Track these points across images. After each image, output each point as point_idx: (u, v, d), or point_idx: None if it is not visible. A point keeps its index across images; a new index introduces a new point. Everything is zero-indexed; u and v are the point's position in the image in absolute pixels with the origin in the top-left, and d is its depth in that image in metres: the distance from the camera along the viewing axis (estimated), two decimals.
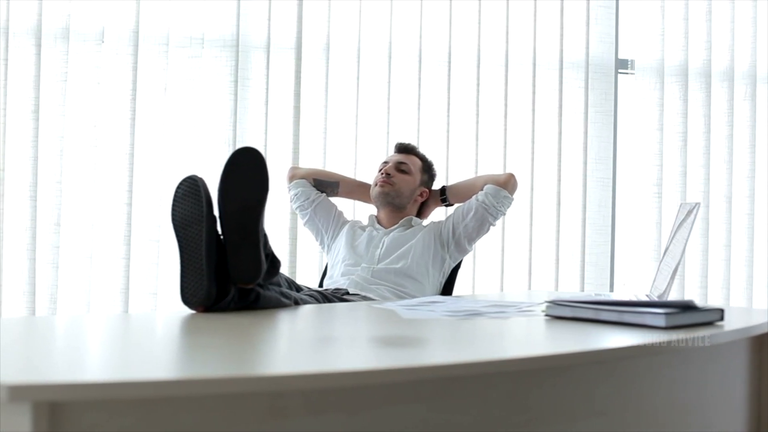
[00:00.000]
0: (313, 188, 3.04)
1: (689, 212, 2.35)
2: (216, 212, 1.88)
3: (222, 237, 1.87)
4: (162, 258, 3.43)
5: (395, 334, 1.62)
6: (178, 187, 1.88)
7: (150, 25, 3.45)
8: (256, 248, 1.85)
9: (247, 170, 1.91)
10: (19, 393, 1.01)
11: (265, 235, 1.92)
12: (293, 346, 1.51)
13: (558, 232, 3.83)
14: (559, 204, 3.83)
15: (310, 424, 1.20)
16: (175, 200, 1.88)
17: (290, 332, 1.73)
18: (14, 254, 3.32)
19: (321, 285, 2.95)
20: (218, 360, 1.29)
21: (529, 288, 3.80)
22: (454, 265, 2.92)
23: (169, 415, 1.10)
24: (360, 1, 3.65)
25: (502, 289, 3.76)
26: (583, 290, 3.81)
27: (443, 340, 1.56)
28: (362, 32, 3.66)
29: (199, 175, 1.89)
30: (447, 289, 2.91)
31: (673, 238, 2.41)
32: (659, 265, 2.41)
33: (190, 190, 1.86)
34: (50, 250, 3.35)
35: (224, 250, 1.85)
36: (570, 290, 3.77)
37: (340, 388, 1.21)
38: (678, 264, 2.27)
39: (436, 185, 3.10)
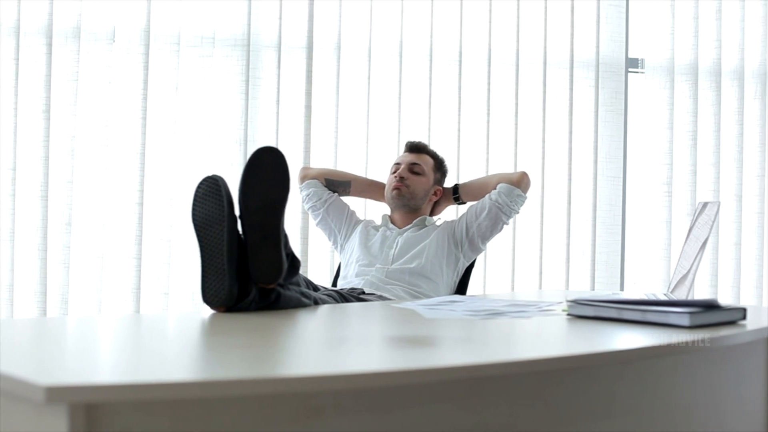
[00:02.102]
0: (325, 188, 3.03)
1: (703, 211, 2.34)
2: (237, 212, 1.88)
3: (243, 237, 1.87)
4: (173, 258, 3.43)
5: (421, 334, 1.61)
6: (199, 187, 1.88)
7: (161, 24, 3.45)
8: (277, 248, 1.85)
9: (268, 170, 1.91)
10: (56, 395, 1.00)
11: (285, 235, 1.91)
12: (321, 346, 1.51)
13: (568, 230, 3.83)
14: (569, 203, 3.83)
15: (342, 425, 1.20)
16: (195, 200, 1.87)
17: (315, 332, 1.73)
18: (25, 254, 3.32)
19: (334, 284, 2.95)
20: (248, 361, 1.29)
21: (540, 287, 3.79)
22: (467, 264, 2.91)
23: (202, 416, 1.10)
24: (371, 0, 3.65)
25: (512, 289, 3.76)
26: (593, 289, 3.81)
27: (469, 340, 1.55)
28: (373, 31, 3.65)
29: (219, 174, 1.89)
30: (461, 288, 2.90)
31: (687, 237, 2.40)
32: (677, 265, 2.41)
33: (210, 190, 1.85)
34: (61, 250, 3.35)
35: (245, 250, 1.85)
36: (580, 289, 3.76)
37: (372, 388, 1.21)
38: (693, 263, 2.27)
39: (448, 182, 3.10)
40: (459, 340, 1.55)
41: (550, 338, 1.65)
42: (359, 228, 2.94)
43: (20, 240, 3.32)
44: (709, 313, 1.71)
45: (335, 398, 1.19)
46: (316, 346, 1.50)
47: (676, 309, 1.69)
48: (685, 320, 1.67)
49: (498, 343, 1.58)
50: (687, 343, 1.53)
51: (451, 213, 3.37)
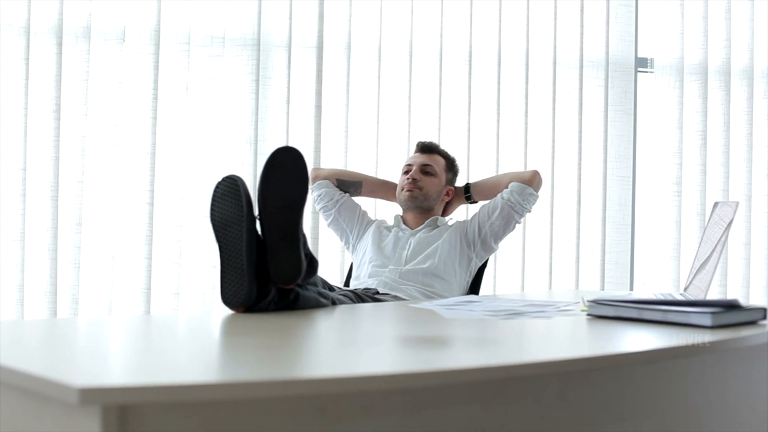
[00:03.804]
0: (337, 188, 3.02)
1: (714, 211, 2.33)
2: (255, 212, 1.87)
3: (262, 237, 1.86)
4: (184, 258, 3.43)
5: (443, 335, 1.61)
6: (217, 187, 1.87)
7: (171, 24, 3.44)
8: (296, 248, 1.84)
9: (287, 169, 1.90)
10: (90, 396, 1.00)
11: (303, 235, 1.91)
12: (345, 347, 1.50)
13: (578, 230, 3.82)
14: (579, 202, 3.83)
15: (368, 425, 1.20)
16: (214, 200, 1.86)
17: (338, 333, 1.73)
18: (35, 254, 3.31)
19: (346, 284, 2.95)
20: (275, 362, 1.29)
21: (550, 287, 3.79)
22: (480, 264, 2.91)
23: (232, 417, 1.10)
24: (381, 0, 3.65)
25: (522, 289, 3.75)
26: (603, 289, 3.81)
27: (493, 341, 1.55)
28: (383, 31, 3.65)
29: (238, 174, 1.88)
30: (473, 288, 2.90)
31: (702, 238, 2.39)
32: (692, 265, 2.40)
33: (229, 190, 1.85)
34: (72, 250, 3.34)
35: (264, 250, 1.84)
36: (590, 289, 3.75)
37: (400, 390, 1.21)
38: (708, 263, 2.26)
39: (458, 181, 3.09)
40: (483, 341, 1.55)
41: (573, 339, 1.65)
42: (372, 228, 2.93)
43: (30, 240, 3.31)
44: (730, 313, 1.71)
45: (361, 399, 1.19)
46: (341, 347, 1.50)
47: (698, 309, 1.69)
48: (707, 320, 1.66)
49: (522, 343, 1.58)
50: (690, 345, 1.52)
51: (461, 213, 3.37)
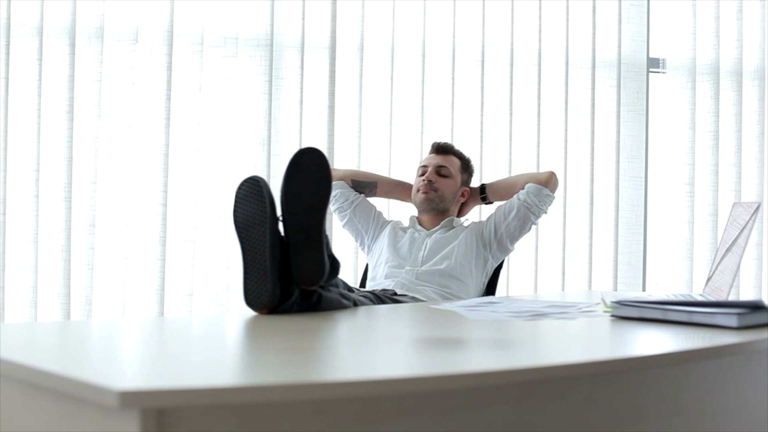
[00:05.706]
0: (352, 189, 3.02)
1: (731, 213, 2.33)
2: (278, 213, 1.87)
3: (285, 238, 1.86)
4: (197, 259, 3.42)
5: (471, 336, 1.61)
6: (240, 188, 1.87)
7: (184, 24, 3.44)
8: (319, 249, 1.84)
9: (310, 171, 1.90)
10: (130, 399, 1.00)
11: (326, 236, 1.90)
12: (374, 348, 1.50)
13: (591, 231, 3.82)
14: (591, 203, 3.82)
15: (401, 426, 1.20)
16: (236, 201, 1.86)
17: (364, 335, 1.72)
18: (49, 256, 3.31)
19: (362, 286, 2.94)
20: (308, 364, 1.29)
21: (563, 288, 3.78)
22: (496, 265, 2.90)
23: (269, 419, 1.10)
24: (394, 0, 3.64)
25: (535, 290, 3.74)
26: (615, 290, 3.80)
27: (520, 343, 1.55)
28: (396, 31, 3.64)
29: (260, 176, 1.88)
30: (489, 289, 2.89)
31: (722, 238, 2.39)
32: (712, 266, 2.40)
33: (252, 191, 1.84)
34: (85, 251, 3.33)
35: (287, 252, 1.84)
36: (603, 290, 3.74)
37: (433, 391, 1.21)
38: (724, 264, 2.26)
39: (473, 182, 3.08)
40: (511, 342, 1.55)
41: (601, 340, 1.64)
42: (387, 229, 2.93)
43: (44, 241, 3.31)
44: (755, 314, 1.70)
45: (395, 401, 1.18)
46: (371, 349, 1.50)
47: (724, 310, 1.68)
48: (733, 321, 1.66)
49: (549, 345, 1.58)
50: (719, 346, 1.52)
51: (474, 213, 3.36)
